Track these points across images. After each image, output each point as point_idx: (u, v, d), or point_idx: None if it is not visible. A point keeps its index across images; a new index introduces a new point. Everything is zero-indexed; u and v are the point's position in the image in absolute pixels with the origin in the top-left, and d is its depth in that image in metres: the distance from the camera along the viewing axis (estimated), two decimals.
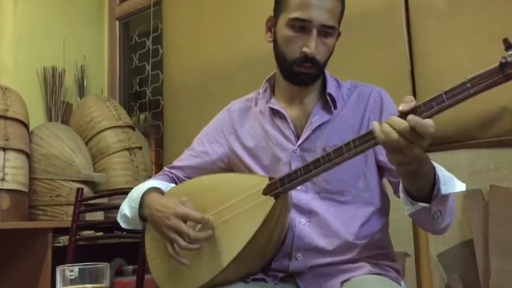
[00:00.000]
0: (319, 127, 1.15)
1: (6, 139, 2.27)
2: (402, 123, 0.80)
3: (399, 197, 1.00)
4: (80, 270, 0.77)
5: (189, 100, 2.57)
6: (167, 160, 2.68)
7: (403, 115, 0.82)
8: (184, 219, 1.03)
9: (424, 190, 0.92)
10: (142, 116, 3.14)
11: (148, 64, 3.13)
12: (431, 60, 1.74)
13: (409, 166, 0.86)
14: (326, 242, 1.10)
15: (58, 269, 0.77)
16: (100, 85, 3.21)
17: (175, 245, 1.04)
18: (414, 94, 1.78)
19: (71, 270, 0.76)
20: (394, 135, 0.81)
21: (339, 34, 1.18)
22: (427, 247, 1.29)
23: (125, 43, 3.34)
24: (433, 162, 0.92)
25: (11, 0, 2.79)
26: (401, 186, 0.97)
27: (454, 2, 1.71)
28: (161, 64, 2.91)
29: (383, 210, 1.18)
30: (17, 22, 2.80)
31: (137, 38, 3.29)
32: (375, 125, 0.85)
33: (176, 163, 1.32)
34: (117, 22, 3.33)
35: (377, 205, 1.15)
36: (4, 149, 2.25)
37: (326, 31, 1.10)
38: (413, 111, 0.82)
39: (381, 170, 1.17)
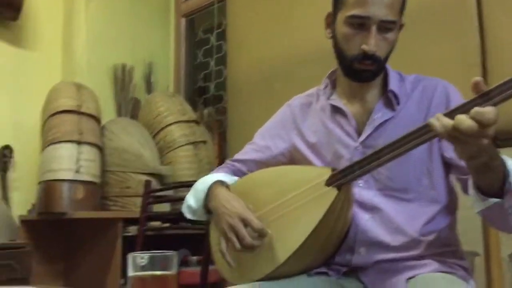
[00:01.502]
0: (381, 124, 1.13)
1: (80, 134, 2.40)
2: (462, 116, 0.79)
3: (468, 194, 0.97)
4: (150, 258, 0.80)
5: (252, 95, 2.60)
6: (230, 154, 2.73)
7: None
8: (246, 224, 1.06)
9: (496, 185, 0.89)
10: (206, 111, 3.21)
11: (212, 60, 3.19)
12: (503, 53, 1.66)
13: (478, 160, 0.84)
14: (390, 238, 1.09)
15: (130, 256, 0.81)
16: (166, 81, 3.31)
17: (229, 244, 1.07)
18: None
19: (142, 257, 0.80)
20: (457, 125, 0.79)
21: (402, 26, 1.15)
22: (498, 246, 1.24)
23: (190, 39, 3.42)
24: (502, 156, 0.89)
25: (84, 1, 2.93)
26: (471, 182, 0.93)
27: None
28: (224, 60, 2.96)
29: (450, 207, 1.14)
30: (89, 22, 2.94)
31: (201, 35, 3.36)
32: (436, 117, 0.83)
33: (238, 156, 1.33)
34: (183, 19, 3.41)
35: (443, 203, 1.12)
36: (78, 143, 2.38)
37: (386, 26, 1.08)
38: (481, 96, 0.79)
39: (448, 167, 1.13)
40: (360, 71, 1.11)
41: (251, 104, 2.59)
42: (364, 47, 1.07)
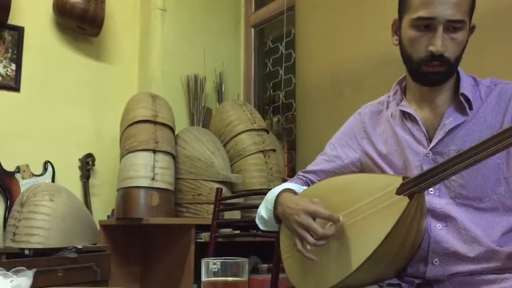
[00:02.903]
0: (453, 129, 1.09)
1: (156, 142, 2.50)
2: None
3: None
4: (222, 264, 0.82)
5: (321, 103, 2.59)
6: (299, 162, 2.73)
7: None
8: (313, 216, 1.05)
9: None
10: (275, 119, 3.23)
11: (281, 69, 3.21)
12: None
13: None
14: (466, 248, 1.04)
15: (203, 262, 0.84)
16: (236, 90, 3.38)
17: (304, 241, 1.07)
18: None
19: (214, 263, 0.82)
20: None
21: (473, 28, 1.11)
22: None
23: (259, 49, 3.47)
24: None
25: (159, 16, 3.06)
26: None
27: None
28: (293, 68, 2.97)
29: None
30: (164, 36, 3.07)
31: (270, 44, 3.40)
32: None
33: (309, 167, 1.34)
34: (252, 29, 3.47)
35: None
36: (154, 151, 2.48)
37: (454, 26, 1.05)
38: None
39: None
40: (429, 74, 1.08)
41: (320, 112, 2.58)
42: (431, 48, 1.05)
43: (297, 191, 1.23)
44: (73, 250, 2.24)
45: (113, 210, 2.70)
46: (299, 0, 2.83)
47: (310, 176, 1.32)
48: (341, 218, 1.05)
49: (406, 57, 1.13)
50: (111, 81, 3.03)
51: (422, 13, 1.05)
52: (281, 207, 1.16)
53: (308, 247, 1.07)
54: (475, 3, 1.09)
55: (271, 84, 3.36)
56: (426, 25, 1.06)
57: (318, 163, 1.32)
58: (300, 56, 2.80)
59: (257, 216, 1.29)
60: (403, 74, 1.23)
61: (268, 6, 3.35)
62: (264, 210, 1.25)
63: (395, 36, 1.17)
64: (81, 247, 2.28)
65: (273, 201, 1.21)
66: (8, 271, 0.88)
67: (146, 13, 3.12)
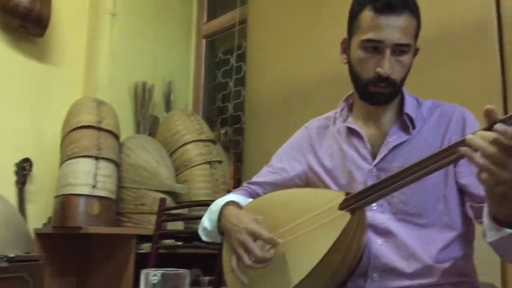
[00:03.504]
0: (396, 147, 1.13)
1: (99, 149, 2.43)
2: (488, 134, 0.77)
3: (480, 223, 0.95)
4: (163, 275, 0.80)
5: (270, 116, 2.61)
6: (245, 175, 2.73)
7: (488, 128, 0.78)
8: (255, 236, 1.04)
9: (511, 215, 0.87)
10: (223, 131, 3.23)
11: (231, 81, 3.22)
12: None
13: (499, 188, 0.82)
14: (404, 264, 1.07)
15: (143, 273, 0.81)
16: (185, 100, 3.35)
17: (240, 260, 1.05)
18: None
19: (155, 275, 0.80)
20: (482, 144, 0.78)
21: (417, 50, 1.16)
22: None
23: (210, 60, 3.47)
24: None
25: (109, 19, 3.00)
26: (486, 210, 0.92)
27: None
28: (243, 81, 2.98)
29: (466, 236, 1.12)
30: (113, 40, 3.00)
31: (221, 56, 3.40)
32: (475, 133, 0.81)
33: (255, 179, 1.34)
34: (204, 40, 3.46)
35: (459, 230, 1.10)
36: (96, 158, 2.41)
37: (401, 49, 1.09)
38: (498, 122, 0.78)
39: (462, 194, 1.12)
40: (375, 94, 1.12)
41: (268, 125, 2.60)
42: (379, 70, 1.08)
43: (242, 203, 1.22)
44: (4, 259, 2.13)
45: (50, 217, 2.59)
46: (251, 13, 2.86)
47: (255, 188, 1.32)
48: (281, 241, 1.03)
49: (354, 76, 1.15)
50: (55, 84, 2.92)
51: (371, 35, 1.08)
52: (224, 221, 1.15)
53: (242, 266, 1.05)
54: (420, 28, 1.13)
55: (220, 96, 3.36)
56: (374, 47, 1.09)
57: (264, 175, 1.32)
58: (250, 69, 2.82)
59: (200, 227, 1.27)
60: (351, 91, 1.26)
61: (221, 18, 3.36)
62: (207, 221, 1.23)
63: (344, 55, 1.20)
64: (13, 256, 2.16)
65: (217, 213, 1.19)
66: None
67: (95, 16, 3.04)
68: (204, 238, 1.28)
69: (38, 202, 2.72)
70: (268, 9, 2.72)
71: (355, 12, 1.13)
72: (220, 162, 2.76)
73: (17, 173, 2.69)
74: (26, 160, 2.70)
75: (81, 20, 3.07)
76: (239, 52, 3.18)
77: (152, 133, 2.98)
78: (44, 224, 2.65)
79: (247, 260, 1.02)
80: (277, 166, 1.31)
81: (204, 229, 1.25)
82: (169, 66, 3.25)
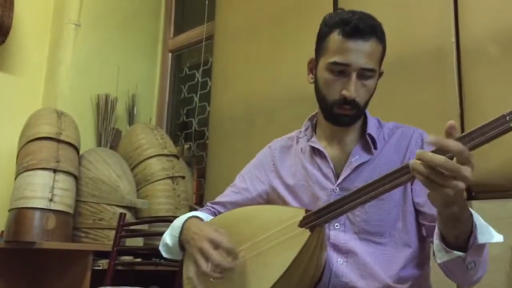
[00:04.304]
0: (358, 167, 1.15)
1: (57, 161, 2.36)
2: (430, 154, 0.78)
3: (431, 242, 0.97)
4: None
5: (234, 133, 2.61)
6: (208, 190, 2.71)
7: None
8: (216, 245, 1.03)
9: (462, 237, 0.89)
10: (186, 146, 3.20)
11: (196, 96, 3.21)
12: (481, 106, 1.71)
13: (451, 209, 0.84)
14: (363, 283, 1.08)
15: None
16: (149, 114, 3.31)
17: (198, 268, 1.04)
18: None
19: None
20: (423, 166, 0.78)
21: (381, 74, 1.19)
22: None
23: (175, 74, 3.45)
24: (471, 210, 0.89)
25: (73, 28, 2.94)
26: (436, 231, 0.94)
27: (507, 47, 1.68)
28: (208, 96, 2.98)
29: (423, 255, 1.14)
30: (76, 49, 2.95)
31: (187, 70, 3.39)
32: (419, 154, 0.81)
33: (218, 199, 1.34)
34: (170, 54, 3.45)
35: (415, 248, 1.13)
36: (54, 171, 2.34)
37: (366, 74, 1.11)
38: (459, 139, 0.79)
39: (417, 212, 1.14)
40: (340, 116, 1.14)
41: (232, 142, 2.60)
42: (345, 92, 1.10)
43: (205, 219, 1.21)
44: None
45: (2, 231, 2.49)
46: (218, 29, 2.87)
47: (218, 207, 1.32)
48: (241, 254, 1.03)
49: (320, 97, 1.17)
50: (13, 93, 2.83)
51: (337, 58, 1.10)
52: (186, 232, 1.14)
53: (211, 279, 1.04)
54: (385, 53, 1.17)
55: (184, 111, 3.34)
56: (341, 71, 1.11)
57: (227, 195, 1.33)
58: (215, 85, 2.82)
59: (161, 243, 1.25)
60: (315, 111, 1.27)
61: (188, 33, 3.36)
62: (169, 237, 1.22)
63: (311, 75, 1.22)
64: None
65: (179, 228, 1.18)
66: None
67: (58, 26, 2.98)
68: (164, 254, 1.26)
69: None
70: (234, 26, 2.73)
71: (323, 34, 1.15)
72: (183, 177, 2.73)
73: None
74: None
75: (44, 29, 3.01)
76: (205, 67, 3.18)
77: (113, 146, 2.92)
78: None
79: (204, 266, 1.01)
80: (240, 186, 1.31)
81: (166, 245, 1.23)
82: (134, 78, 3.21)
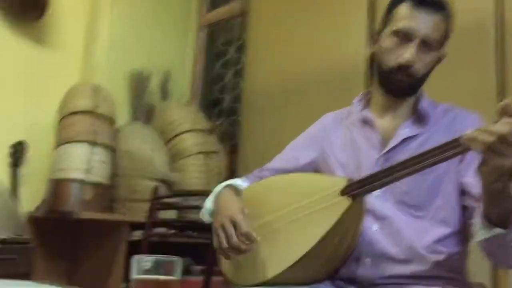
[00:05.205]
0: (406, 140, 1.16)
1: (95, 134, 2.42)
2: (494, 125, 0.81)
3: (472, 224, 0.98)
4: (155, 262, 0.81)
5: (266, 109, 2.61)
6: (240, 166, 2.73)
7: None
8: (234, 226, 1.07)
9: (505, 214, 0.89)
10: (219, 122, 3.22)
11: (229, 72, 3.21)
12: None
13: (497, 184, 0.85)
14: (397, 250, 1.09)
15: (135, 258, 0.82)
16: (182, 90, 3.33)
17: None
18: None
19: (147, 260, 0.80)
20: (487, 136, 0.81)
21: (441, 57, 1.19)
22: (506, 279, 1.22)
23: (209, 50, 3.45)
24: None
25: (109, 4, 2.98)
26: (479, 210, 0.94)
27: None
28: (242, 73, 2.98)
29: (462, 234, 1.13)
30: (112, 26, 2.98)
31: (220, 46, 3.38)
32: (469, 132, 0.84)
33: (266, 166, 1.37)
34: (204, 30, 3.45)
35: (454, 227, 1.12)
36: (92, 144, 2.40)
37: (427, 44, 1.12)
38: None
39: (462, 193, 1.13)
40: (396, 82, 1.15)
41: (264, 118, 2.60)
42: (404, 57, 1.12)
43: (243, 187, 1.27)
44: None
45: (43, 201, 2.58)
46: (252, 6, 2.85)
47: (265, 174, 1.34)
48: (258, 239, 1.05)
49: (378, 64, 1.19)
50: (52, 67, 2.89)
51: (403, 24, 1.13)
52: (216, 204, 1.20)
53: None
54: (450, 35, 1.17)
55: (218, 87, 3.34)
56: (404, 38, 1.13)
57: (275, 162, 1.36)
58: (249, 61, 2.81)
59: (203, 209, 1.30)
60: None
61: (221, 9, 3.34)
62: (210, 203, 1.27)
63: (372, 46, 1.24)
64: (5, 237, 2.16)
65: (215, 195, 1.24)
66: None
67: (95, 0, 3.02)
68: (205, 218, 1.30)
69: (32, 185, 2.71)
70: (269, 2, 2.71)
71: (392, 5, 1.18)
72: (215, 152, 2.76)
73: (11, 155, 2.67)
74: (21, 143, 2.69)
75: (81, 3, 3.05)
76: (239, 43, 3.16)
77: (148, 122, 2.96)
78: (37, 208, 2.65)
79: (224, 242, 1.06)
80: (290, 154, 1.34)
81: (208, 210, 1.28)
82: (168, 54, 3.23)
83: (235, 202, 1.15)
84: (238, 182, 1.31)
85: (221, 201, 1.18)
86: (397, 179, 0.98)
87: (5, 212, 2.26)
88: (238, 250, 1.05)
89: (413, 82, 1.15)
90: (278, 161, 1.35)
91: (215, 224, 1.13)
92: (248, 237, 1.05)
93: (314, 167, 1.29)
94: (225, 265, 1.18)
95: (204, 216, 1.30)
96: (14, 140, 2.68)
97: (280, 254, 1.05)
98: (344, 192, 1.04)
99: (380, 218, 1.12)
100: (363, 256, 1.10)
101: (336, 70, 2.14)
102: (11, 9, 2.70)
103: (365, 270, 1.10)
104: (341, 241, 1.06)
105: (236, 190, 1.23)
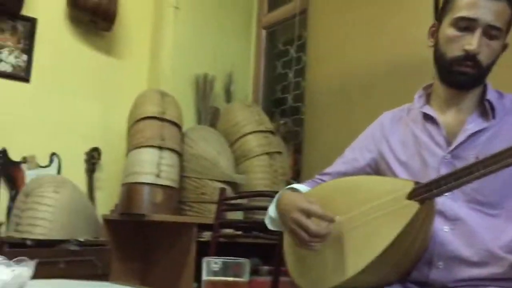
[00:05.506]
0: (473, 134, 1.10)
1: (162, 139, 2.50)
2: None
3: None
4: (224, 263, 0.82)
5: (330, 107, 2.58)
6: (305, 165, 2.72)
7: None
8: (307, 213, 1.05)
9: None
10: (282, 122, 3.23)
11: (291, 72, 3.21)
12: None
13: None
14: (471, 252, 1.04)
15: (204, 260, 0.84)
16: (245, 91, 3.37)
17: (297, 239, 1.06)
18: None
19: (216, 263, 0.82)
20: None
21: (506, 45, 1.13)
22: None
23: (270, 51, 3.47)
24: None
25: (172, 13, 3.07)
26: None
27: None
28: (303, 72, 2.96)
29: None
30: (176, 33, 3.07)
31: (281, 46, 3.39)
32: None
33: (326, 170, 1.35)
34: (264, 31, 3.47)
35: None
36: (160, 148, 2.49)
37: (491, 32, 1.07)
38: None
39: None
40: (459, 73, 1.10)
41: (328, 116, 2.58)
42: (467, 47, 1.07)
43: (303, 191, 1.24)
44: (75, 242, 2.25)
45: (116, 204, 2.71)
46: (312, 4, 2.83)
47: (325, 178, 1.33)
48: (337, 218, 1.03)
49: (439, 56, 1.14)
50: (121, 76, 3.04)
51: (465, 13, 1.07)
52: (279, 205, 1.18)
53: (312, 248, 1.06)
54: None
55: (280, 87, 3.35)
56: (466, 27, 1.08)
57: (335, 166, 1.34)
58: (311, 60, 2.80)
59: (266, 216, 1.30)
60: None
61: (281, 9, 3.35)
62: (272, 210, 1.26)
63: (431, 38, 1.19)
64: (83, 240, 2.28)
65: (276, 201, 1.22)
66: (10, 260, 0.89)
67: (159, 9, 3.13)
68: (270, 226, 1.30)
69: (106, 189, 2.85)
70: None
71: None
72: (280, 153, 2.77)
73: (87, 161, 2.83)
74: (95, 149, 2.84)
75: (146, 14, 3.17)
76: (299, 42, 3.15)
77: (213, 124, 3.03)
78: (111, 211, 2.78)
79: (303, 236, 1.03)
80: (349, 157, 1.32)
81: (270, 217, 1.28)
82: (230, 57, 3.28)
83: (297, 196, 1.14)
84: (297, 186, 1.29)
85: (283, 203, 1.16)
86: (468, 182, 0.93)
87: (84, 215, 2.39)
88: (321, 236, 1.02)
89: (479, 72, 1.09)
90: (338, 165, 1.33)
91: (286, 224, 1.11)
92: (325, 218, 1.03)
93: (374, 168, 1.26)
94: (291, 268, 1.18)
95: (269, 225, 1.30)
96: (89, 147, 2.83)
97: (349, 258, 1.03)
98: (411, 195, 1.00)
99: (451, 219, 1.07)
100: (435, 259, 1.06)
101: (403, 63, 2.08)
102: (83, 22, 2.86)
103: (438, 273, 1.06)
104: (412, 244, 1.02)
105: (296, 191, 1.22)
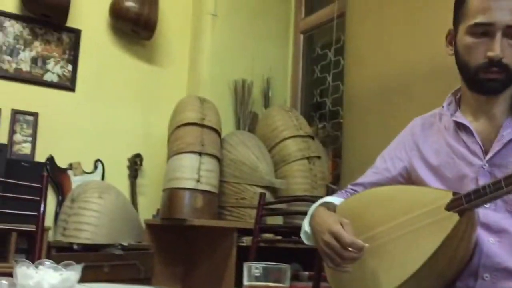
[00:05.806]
0: (511, 141, 1.05)
1: (202, 145, 2.53)
2: None
3: None
4: (265, 269, 0.82)
5: (369, 111, 2.55)
6: (344, 170, 2.69)
7: None
8: (336, 238, 1.01)
9: None
10: (321, 126, 3.21)
11: (329, 75, 3.19)
12: None
13: None
14: None
15: (245, 265, 0.84)
16: (283, 96, 3.38)
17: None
18: None
19: (256, 268, 0.82)
20: None
21: None
22: None
23: (308, 55, 3.46)
24: None
25: (210, 21, 3.11)
26: None
27: None
28: (341, 75, 2.94)
29: None
30: (214, 40, 3.11)
31: (319, 50, 3.38)
32: None
33: (359, 180, 1.33)
34: (301, 35, 3.47)
35: None
36: (200, 154, 2.52)
37: (511, 33, 1.01)
38: None
39: None
40: (487, 81, 1.04)
41: (367, 120, 2.54)
42: (490, 53, 1.01)
43: (336, 203, 1.22)
44: (119, 247, 2.30)
45: (158, 209, 2.76)
46: (350, 7, 2.80)
47: (358, 189, 1.30)
48: (366, 246, 0.99)
49: (462, 66, 1.09)
50: (161, 83, 3.10)
51: (479, 19, 1.02)
52: (313, 222, 1.15)
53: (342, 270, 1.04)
54: None
55: (318, 91, 3.34)
56: (484, 32, 1.02)
57: (367, 176, 1.30)
58: (349, 63, 2.77)
59: (301, 230, 1.27)
60: (454, 84, 1.19)
61: (318, 13, 3.34)
62: (307, 224, 1.23)
63: (450, 47, 1.14)
64: (126, 244, 2.33)
65: (309, 217, 1.19)
66: (57, 264, 0.91)
67: (198, 17, 3.18)
68: (306, 242, 1.27)
69: (148, 195, 2.92)
70: (367, 1, 2.65)
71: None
72: (319, 157, 2.76)
73: (129, 167, 2.90)
74: (138, 155, 2.90)
75: (184, 22, 3.23)
76: (337, 46, 3.13)
77: (251, 129, 3.04)
78: (153, 216, 2.83)
79: (335, 259, 1.01)
80: (381, 167, 1.28)
81: (305, 232, 1.25)
82: (267, 62, 3.30)
83: (329, 215, 1.10)
84: (331, 199, 1.26)
85: (315, 222, 1.13)
86: (509, 192, 0.89)
87: (127, 220, 2.45)
88: (351, 261, 1.00)
89: (507, 76, 1.03)
90: (370, 175, 1.29)
91: (318, 246, 1.09)
92: (354, 247, 1.00)
93: (405, 177, 1.23)
94: (330, 280, 1.16)
95: (305, 240, 1.26)
96: (131, 153, 2.90)
97: (389, 270, 1.01)
98: (450, 207, 0.97)
99: (495, 230, 1.03)
100: (481, 270, 1.03)
101: (446, 63, 2.02)
102: (125, 32, 2.94)
103: (484, 285, 1.02)
104: (454, 255, 0.99)
105: (329, 206, 1.19)
